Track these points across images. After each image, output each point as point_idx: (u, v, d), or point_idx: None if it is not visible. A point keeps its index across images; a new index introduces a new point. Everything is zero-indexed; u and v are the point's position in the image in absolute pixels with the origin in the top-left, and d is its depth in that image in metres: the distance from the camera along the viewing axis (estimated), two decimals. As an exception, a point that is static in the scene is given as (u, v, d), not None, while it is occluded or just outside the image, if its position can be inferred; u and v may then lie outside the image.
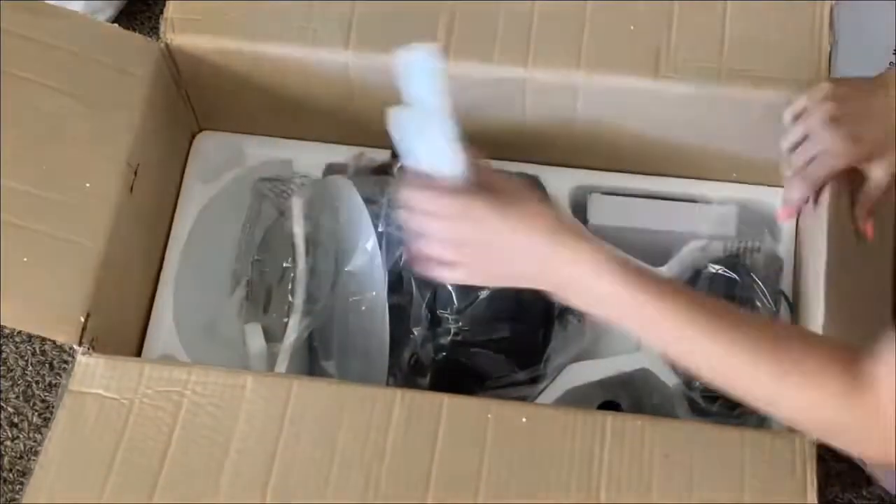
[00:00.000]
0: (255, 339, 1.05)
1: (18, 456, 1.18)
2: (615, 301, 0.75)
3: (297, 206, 1.06)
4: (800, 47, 0.99)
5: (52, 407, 1.17)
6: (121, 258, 0.97)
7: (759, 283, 1.01)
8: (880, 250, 0.93)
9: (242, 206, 1.12)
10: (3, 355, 1.22)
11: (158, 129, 1.04)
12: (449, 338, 0.95)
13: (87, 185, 0.95)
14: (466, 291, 0.95)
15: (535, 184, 1.06)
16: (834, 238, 0.92)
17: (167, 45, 1.04)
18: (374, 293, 0.97)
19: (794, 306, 1.03)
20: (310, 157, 1.12)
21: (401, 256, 0.95)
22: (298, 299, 1.02)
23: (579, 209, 1.07)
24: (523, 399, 0.98)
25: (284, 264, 1.04)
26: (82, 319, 0.90)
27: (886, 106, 0.88)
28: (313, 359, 1.05)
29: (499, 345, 0.97)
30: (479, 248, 0.79)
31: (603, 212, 1.07)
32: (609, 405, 1.06)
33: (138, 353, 1.04)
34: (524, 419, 0.87)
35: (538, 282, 0.79)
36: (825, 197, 0.94)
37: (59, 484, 0.85)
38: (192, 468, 0.85)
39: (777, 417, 0.85)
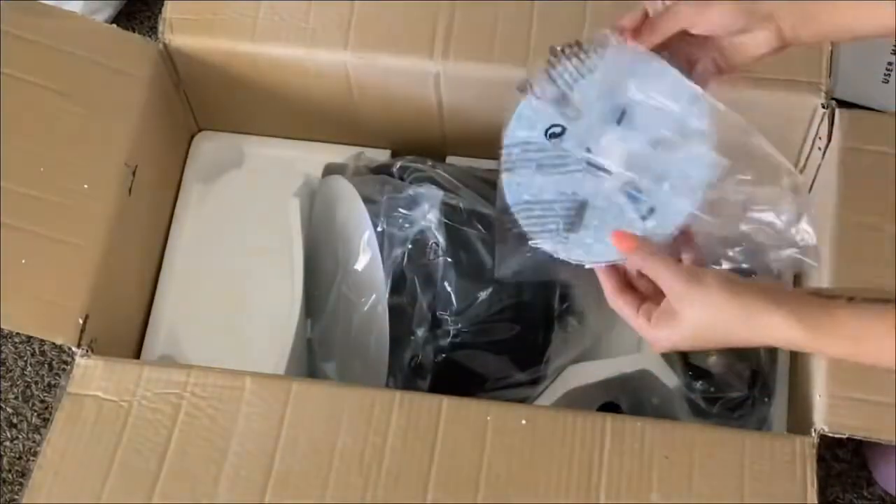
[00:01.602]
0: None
1: (17, 456, 1.18)
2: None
3: (294, 206, 1.06)
4: (800, 47, 0.99)
5: (51, 407, 1.16)
6: (119, 260, 0.97)
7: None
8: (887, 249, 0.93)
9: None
10: (3, 355, 1.22)
11: (157, 130, 1.04)
12: (449, 339, 0.95)
13: (86, 186, 0.95)
14: (466, 293, 0.95)
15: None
16: (839, 237, 0.92)
17: (165, 46, 1.04)
18: (373, 294, 0.97)
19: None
20: (309, 157, 1.12)
21: (402, 256, 0.95)
22: (297, 300, 1.02)
23: (579, 209, 1.07)
24: (524, 400, 0.98)
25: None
26: (81, 321, 0.90)
27: None
28: (313, 360, 1.05)
29: (499, 346, 0.96)
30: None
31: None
32: (609, 406, 1.06)
33: (137, 355, 1.04)
34: (524, 421, 0.87)
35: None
36: (831, 196, 0.94)
37: (57, 485, 0.85)
38: (190, 470, 0.85)
39: None
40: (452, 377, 0.96)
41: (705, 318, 0.70)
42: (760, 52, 0.78)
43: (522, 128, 0.80)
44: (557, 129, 0.79)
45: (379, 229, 0.96)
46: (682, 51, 0.79)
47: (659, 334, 0.73)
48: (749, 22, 0.76)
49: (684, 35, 0.77)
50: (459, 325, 0.95)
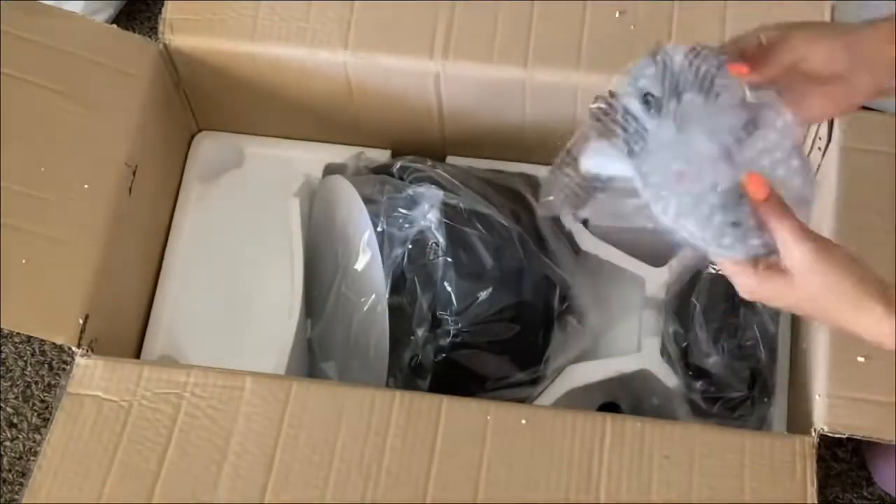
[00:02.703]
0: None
1: (18, 456, 1.18)
2: None
3: (294, 206, 1.06)
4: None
5: (52, 407, 1.17)
6: (119, 259, 0.97)
7: (760, 283, 1.00)
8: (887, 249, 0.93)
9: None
10: (3, 355, 1.22)
11: (157, 130, 1.04)
12: (449, 339, 0.95)
13: (86, 186, 0.95)
14: (466, 293, 0.95)
15: (537, 184, 1.06)
16: (839, 237, 0.92)
17: (166, 46, 1.04)
18: (373, 294, 0.97)
19: (795, 307, 1.03)
20: (309, 157, 1.12)
21: (402, 256, 0.95)
22: (297, 300, 1.02)
23: (579, 209, 1.07)
24: (523, 400, 0.98)
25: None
26: (81, 321, 0.90)
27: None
28: (313, 360, 1.05)
29: (499, 346, 0.96)
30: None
31: (603, 212, 1.07)
32: (609, 406, 1.06)
33: (137, 355, 1.04)
34: (523, 421, 0.87)
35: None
36: (830, 195, 0.95)
37: (57, 485, 0.85)
38: (190, 470, 0.85)
39: None
40: (452, 377, 0.96)
41: (817, 289, 0.69)
42: (859, 96, 0.77)
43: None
44: (651, 98, 0.74)
45: (379, 229, 0.96)
46: (793, 88, 0.76)
47: (766, 286, 0.71)
48: (852, 61, 0.75)
49: (794, 72, 0.76)
50: (459, 325, 0.95)
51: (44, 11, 1.03)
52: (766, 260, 0.71)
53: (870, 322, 0.69)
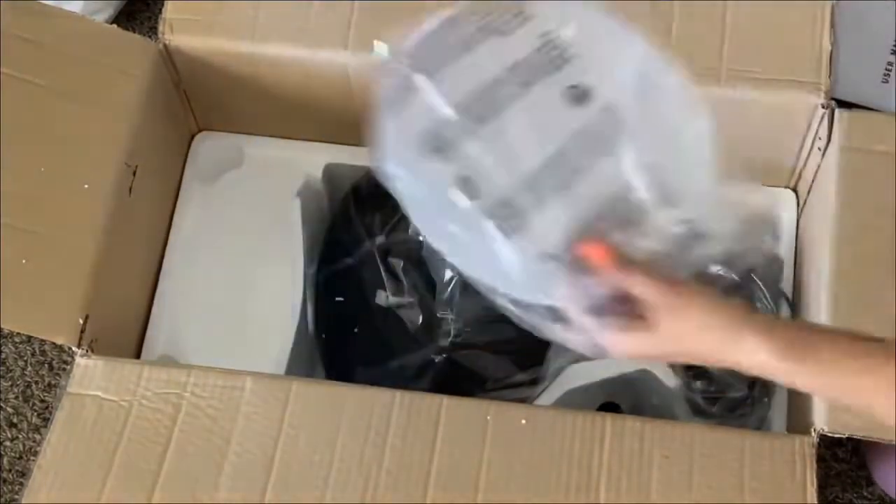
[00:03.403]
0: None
1: (18, 456, 1.18)
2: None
3: (295, 206, 1.06)
4: (800, 47, 0.99)
5: (52, 407, 1.17)
6: (120, 260, 0.97)
7: (760, 283, 1.00)
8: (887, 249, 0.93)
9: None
10: (3, 355, 1.22)
11: (157, 130, 1.04)
12: (449, 339, 0.95)
13: (86, 186, 0.95)
14: (467, 293, 0.95)
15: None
16: (839, 237, 0.92)
17: (166, 46, 1.04)
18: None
19: (795, 306, 1.03)
20: (309, 158, 1.12)
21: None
22: (297, 300, 1.02)
23: (579, 209, 1.07)
24: (524, 400, 0.98)
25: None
26: (81, 321, 0.90)
27: None
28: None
29: (499, 346, 0.96)
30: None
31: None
32: (609, 406, 1.06)
33: (137, 355, 1.04)
34: (524, 420, 0.87)
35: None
36: (830, 196, 0.95)
37: (57, 485, 0.85)
38: (190, 470, 0.85)
39: None
40: (452, 377, 0.96)
41: (681, 329, 0.69)
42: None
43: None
44: None
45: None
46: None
47: (629, 340, 0.70)
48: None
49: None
50: (460, 325, 0.95)
51: (44, 11, 1.03)
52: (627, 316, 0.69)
53: (746, 357, 0.68)
